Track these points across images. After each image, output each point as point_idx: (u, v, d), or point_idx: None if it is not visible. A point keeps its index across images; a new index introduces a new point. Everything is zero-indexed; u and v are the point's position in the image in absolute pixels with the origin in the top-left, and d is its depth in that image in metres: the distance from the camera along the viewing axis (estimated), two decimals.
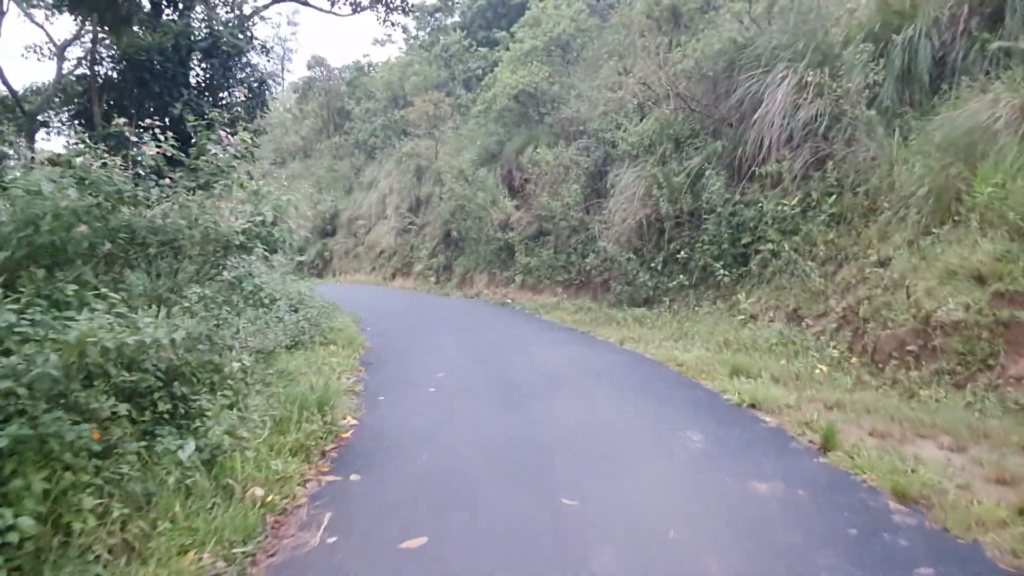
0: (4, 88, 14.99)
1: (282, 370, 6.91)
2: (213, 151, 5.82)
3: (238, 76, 14.48)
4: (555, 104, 19.46)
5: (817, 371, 6.94)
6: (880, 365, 7.15)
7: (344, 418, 6.00)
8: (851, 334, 7.78)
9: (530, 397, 6.73)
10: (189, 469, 4.06)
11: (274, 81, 17.06)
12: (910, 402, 6.18)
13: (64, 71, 15.36)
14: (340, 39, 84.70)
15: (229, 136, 5.93)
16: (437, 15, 33.13)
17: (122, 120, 6.00)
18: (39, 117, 15.52)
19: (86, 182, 4.77)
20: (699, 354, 8.14)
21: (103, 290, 4.63)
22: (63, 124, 15.91)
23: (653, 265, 12.63)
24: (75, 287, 4.27)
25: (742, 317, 9.79)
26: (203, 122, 6.03)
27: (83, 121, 13.38)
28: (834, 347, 7.63)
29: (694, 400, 6.53)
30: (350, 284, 26.47)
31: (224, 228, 5.56)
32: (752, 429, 5.57)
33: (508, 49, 22.57)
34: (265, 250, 6.08)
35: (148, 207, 5.23)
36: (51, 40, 16.55)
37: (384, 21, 20.63)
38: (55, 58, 16.38)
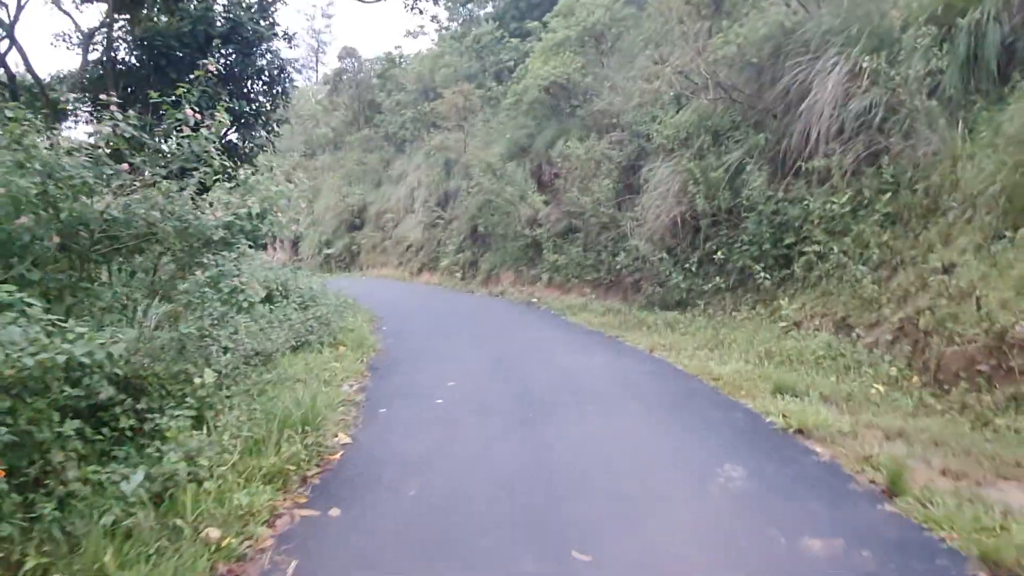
0: (31, 77, 14.72)
1: (271, 380, 6.28)
2: (185, 133, 5.13)
3: (258, 64, 13.93)
4: (587, 96, 18.70)
5: (873, 391, 6.10)
6: (945, 386, 6.29)
7: (335, 436, 5.35)
8: (910, 349, 6.92)
9: (546, 415, 6.01)
10: (133, 505, 3.44)
11: (299, 70, 16.50)
12: (984, 432, 5.33)
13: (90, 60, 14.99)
14: (373, 31, 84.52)
15: (197, 115, 5.27)
16: (469, 5, 32.44)
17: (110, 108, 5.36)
18: (66, 106, 15.23)
19: (31, 165, 4.16)
20: (737, 367, 7.34)
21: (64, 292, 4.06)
22: (88, 114, 15.60)
23: (687, 266, 11.82)
24: (11, 288, 3.66)
25: (784, 325, 8.96)
26: (167, 100, 5.31)
27: (99, 109, 12.98)
28: (891, 363, 6.78)
29: (733, 423, 5.73)
30: (375, 279, 26.00)
31: (203, 221, 4.96)
32: (802, 463, 4.78)
33: (540, 40, 21.83)
34: (250, 245, 5.47)
35: (103, 196, 4.58)
36: (78, 28, 16.25)
37: (412, 8, 20.00)
38: (82, 47, 16.09)
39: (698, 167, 11.77)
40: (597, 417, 5.94)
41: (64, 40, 16.81)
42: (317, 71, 52.07)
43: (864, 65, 8.95)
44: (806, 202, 9.74)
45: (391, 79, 34.66)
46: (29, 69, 14.95)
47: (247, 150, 15.56)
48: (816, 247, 9.40)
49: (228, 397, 5.15)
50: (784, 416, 5.57)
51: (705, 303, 11.23)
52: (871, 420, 5.40)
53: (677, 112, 13.61)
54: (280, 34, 14.66)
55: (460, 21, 33.17)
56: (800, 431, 5.31)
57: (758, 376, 6.90)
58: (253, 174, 15.01)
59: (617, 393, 6.83)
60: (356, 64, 36.54)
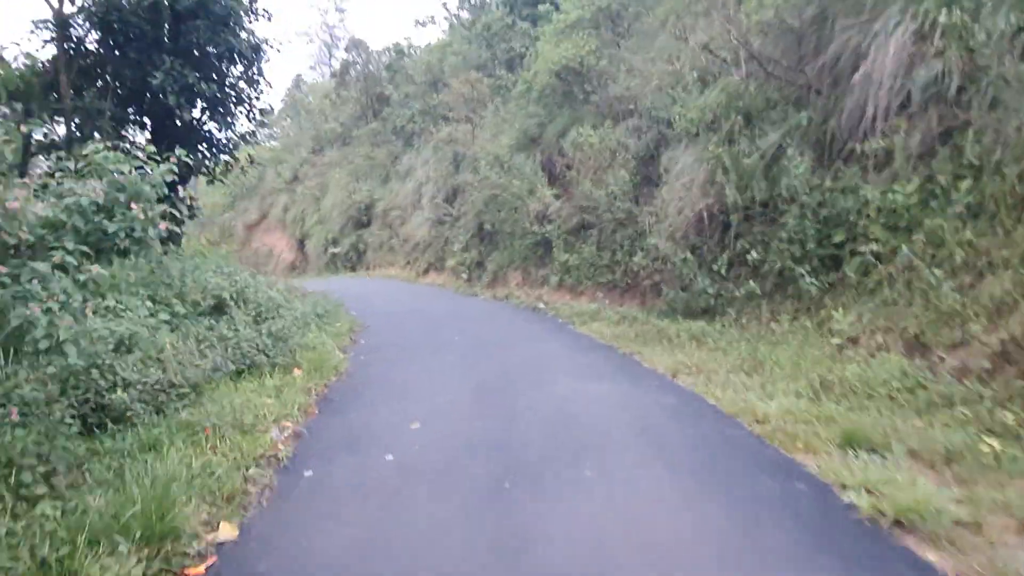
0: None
1: (156, 436, 4.72)
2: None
3: (231, 42, 12.48)
4: (602, 81, 17.08)
5: (984, 447, 4.43)
6: None
7: (209, 532, 3.70)
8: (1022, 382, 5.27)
9: (530, 484, 4.37)
10: None
11: (278, 49, 15.00)
12: None
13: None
14: (383, 22, 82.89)
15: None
16: None
17: None
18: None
19: None
20: (787, 402, 5.67)
21: None
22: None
23: (715, 268, 10.18)
24: None
25: (837, 341, 7.33)
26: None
27: (55, 95, 11.59)
28: (994, 400, 5.11)
29: (795, 504, 3.98)
30: (379, 279, 24.56)
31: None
32: None
33: (552, 22, 20.22)
34: (84, 253, 3.92)
35: None
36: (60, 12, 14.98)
37: None
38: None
39: (728, 153, 10.14)
40: (601, 488, 4.27)
41: (44, 28, 15.55)
42: (331, 67, 50.75)
43: (940, 20, 7.27)
44: (860, 192, 8.10)
45: (400, 71, 33.24)
46: None
47: (226, 140, 14.18)
48: (874, 246, 7.77)
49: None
50: (867, 491, 3.89)
51: (737, 311, 9.59)
52: (994, 498, 3.74)
53: (702, 93, 11.99)
54: (256, 10, 13.20)
55: (469, 4, 31.60)
56: (898, 522, 3.61)
57: (817, 417, 5.24)
58: (240, 167, 13.59)
59: (631, 445, 5.14)
60: (364, 56, 35.14)
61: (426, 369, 8.08)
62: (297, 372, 7.17)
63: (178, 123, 13.66)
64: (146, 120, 13.08)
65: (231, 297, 8.12)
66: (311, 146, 38.45)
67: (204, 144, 14.36)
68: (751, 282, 9.39)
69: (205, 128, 14.25)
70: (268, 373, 6.92)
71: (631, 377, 7.34)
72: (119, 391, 4.85)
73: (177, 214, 5.96)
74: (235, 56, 12.80)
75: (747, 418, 5.48)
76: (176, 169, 4.86)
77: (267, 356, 7.22)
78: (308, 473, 4.63)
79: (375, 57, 35.07)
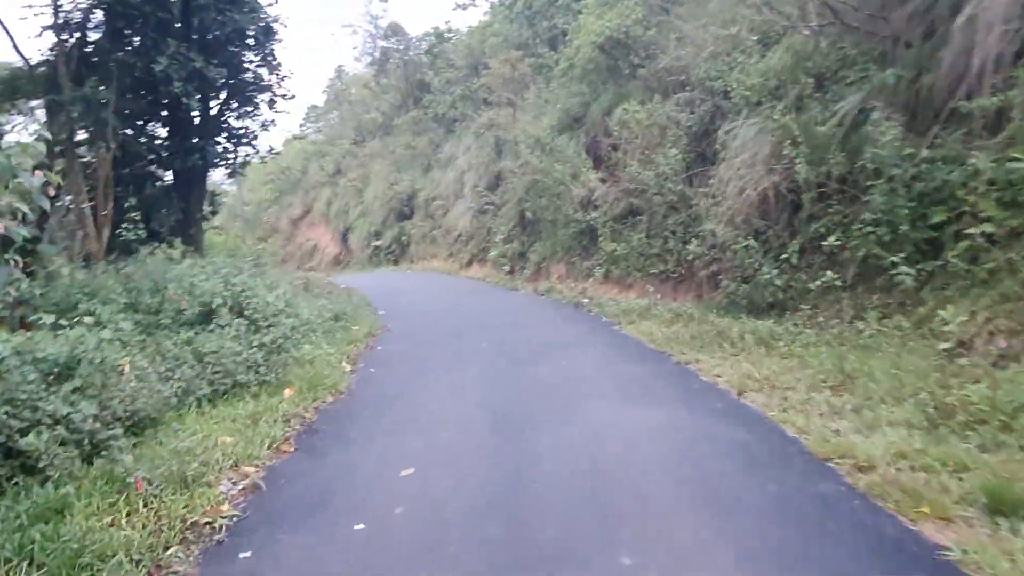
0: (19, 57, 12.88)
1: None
2: None
3: (239, 22, 11.52)
4: (650, 52, 15.64)
5: None
6: None
7: None
8: None
9: None
10: None
11: (285, 25, 13.99)
12: None
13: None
14: (423, 7, 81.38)
15: None
16: None
17: None
18: None
19: None
20: (895, 437, 4.28)
21: None
22: None
23: (784, 256, 8.78)
24: None
25: (946, 346, 5.91)
26: None
27: (53, 84, 10.84)
28: None
29: None
30: (420, 273, 23.62)
31: None
32: None
33: None
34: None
35: None
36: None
37: None
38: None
39: (797, 122, 8.70)
40: None
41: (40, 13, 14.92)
42: (374, 57, 50.00)
43: None
44: (968, 162, 6.62)
45: (440, 56, 32.15)
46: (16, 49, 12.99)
47: (245, 130, 13.32)
48: (987, 226, 6.31)
49: None
50: None
51: (811, 307, 8.17)
52: None
53: (763, 57, 10.52)
54: None
55: None
56: None
57: (940, 460, 3.86)
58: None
59: (687, 514, 3.73)
60: (403, 42, 34.16)
61: (441, 388, 6.93)
62: (288, 393, 6.13)
63: (195, 114, 12.86)
64: (158, 112, 12.29)
65: (225, 303, 7.14)
66: (353, 137, 37.75)
67: (224, 135, 13.54)
68: (829, 272, 7.96)
69: (224, 118, 13.42)
70: (254, 394, 5.90)
71: (687, 397, 5.99)
72: (34, 433, 3.86)
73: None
74: (245, 38, 11.84)
75: (844, 463, 4.10)
76: (42, 148, 3.81)
77: (256, 373, 6.21)
78: (244, 555, 3.51)
79: (415, 43, 34.06)
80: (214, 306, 6.96)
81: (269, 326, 7.11)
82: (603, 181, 14.92)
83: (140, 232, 10.14)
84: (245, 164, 13.79)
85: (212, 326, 6.70)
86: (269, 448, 4.82)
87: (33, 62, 10.74)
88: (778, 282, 8.70)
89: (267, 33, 12.26)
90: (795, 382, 5.89)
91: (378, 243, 31.45)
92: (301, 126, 53.62)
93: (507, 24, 26.92)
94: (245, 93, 13.10)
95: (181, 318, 6.70)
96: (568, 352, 8.32)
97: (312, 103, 52.89)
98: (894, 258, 7.08)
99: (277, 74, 13.79)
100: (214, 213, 15.04)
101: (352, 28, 57.35)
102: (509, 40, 26.20)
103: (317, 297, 12.44)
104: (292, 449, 5.06)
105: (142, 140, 12.22)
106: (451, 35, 32.43)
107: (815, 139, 8.39)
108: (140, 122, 12.39)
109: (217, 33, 11.43)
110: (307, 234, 38.88)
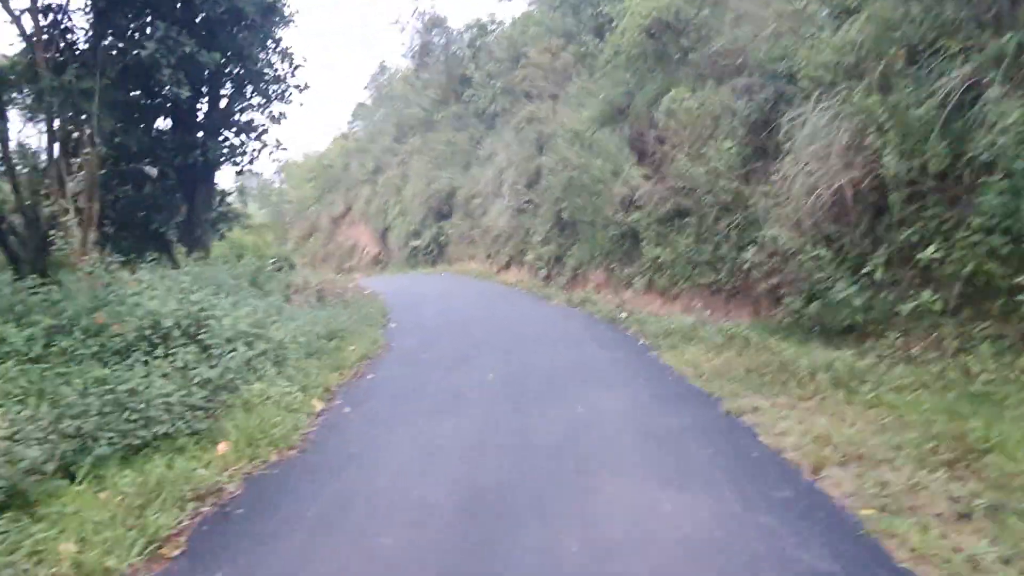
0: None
1: None
2: None
3: (232, 1, 10.30)
4: (702, 34, 13.97)
5: None
6: None
7: None
8: None
9: None
10: None
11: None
12: None
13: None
14: (469, 5, 79.68)
15: None
16: None
17: None
18: None
19: None
20: None
21: None
22: None
23: (865, 269, 7.13)
24: None
25: None
26: None
27: (33, 74, 9.82)
28: None
29: None
30: (454, 276, 22.32)
31: None
32: None
33: None
34: None
35: None
36: None
37: None
38: None
39: (883, 104, 7.03)
40: None
41: None
42: (415, 51, 49.03)
43: None
44: None
45: (483, 49, 30.84)
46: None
47: (250, 124, 12.21)
48: None
49: None
50: None
51: (901, 335, 6.51)
52: None
53: (837, 30, 8.83)
54: None
55: None
56: None
57: None
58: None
59: None
60: (445, 35, 32.96)
61: (416, 447, 5.34)
62: (222, 448, 4.79)
63: (199, 106, 11.77)
64: (154, 103, 11.22)
65: (177, 324, 5.87)
66: (393, 134, 36.75)
67: (233, 129, 12.43)
68: (925, 292, 6.30)
69: (230, 110, 12.31)
70: (180, 449, 4.60)
71: (740, 475, 4.30)
72: None
73: None
74: (242, 19, 10.63)
75: None
76: None
77: (185, 421, 4.89)
78: None
79: (457, 36, 32.82)
80: (164, 329, 5.71)
81: (227, 353, 5.82)
82: (647, 178, 13.35)
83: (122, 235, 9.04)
84: (252, 161, 12.65)
85: (156, 354, 5.44)
86: (141, 554, 3.46)
87: (12, 52, 9.77)
88: (857, 302, 7.05)
89: (267, 13, 11.04)
90: (893, 451, 4.27)
91: (416, 243, 30.34)
92: (349, 123, 53.14)
93: (550, 13, 25.44)
94: (247, 82, 11.96)
95: (107, 346, 5.46)
96: (589, 391, 6.72)
97: (360, 101, 52.36)
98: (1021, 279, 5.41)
99: (290, 62, 12.65)
100: (225, 214, 13.96)
101: (400, 25, 56.61)
102: (552, 29, 24.72)
103: (324, 307, 11.21)
104: (177, 553, 3.59)
105: (137, 135, 11.16)
106: (494, 27, 31.10)
107: (907, 125, 6.71)
108: (135, 115, 11.33)
109: (209, 13, 10.23)
110: (347, 233, 38.09)
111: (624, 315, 10.83)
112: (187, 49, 9.59)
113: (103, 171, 11.76)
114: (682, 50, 14.37)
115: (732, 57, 12.27)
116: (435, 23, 33.00)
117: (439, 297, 15.87)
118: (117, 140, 10.43)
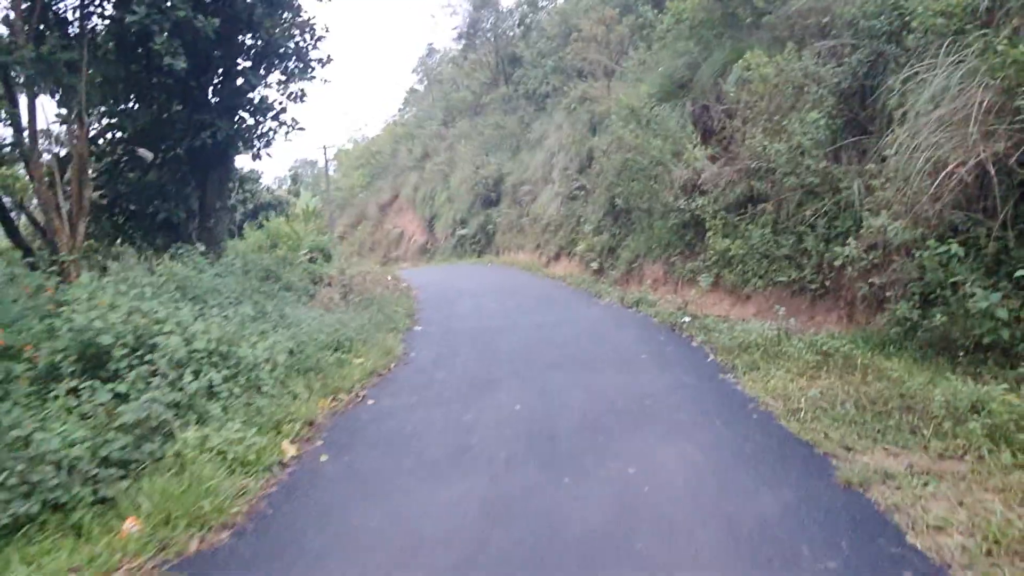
0: None
1: None
2: None
3: None
4: None
5: None
6: None
7: None
8: None
9: None
10: None
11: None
12: None
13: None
14: None
15: None
16: None
17: None
18: None
19: None
20: None
21: None
22: None
23: (1017, 272, 5.44)
24: None
25: None
26: None
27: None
28: None
29: None
30: (500, 268, 20.94)
31: None
32: None
33: None
34: None
35: None
36: None
37: None
38: None
39: None
40: None
41: None
42: (463, 31, 47.73)
43: None
44: None
45: (534, 26, 29.27)
46: None
47: (267, 101, 11.03)
48: None
49: None
50: None
51: None
52: None
53: None
54: None
55: None
56: None
57: None
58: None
59: None
60: (494, 14, 31.47)
61: (402, 529, 3.83)
62: (127, 528, 3.49)
63: (211, 83, 10.63)
64: (151, 80, 10.09)
65: (118, 340, 4.64)
66: (441, 118, 35.52)
67: (248, 109, 11.28)
68: None
69: (250, 87, 11.16)
70: (74, 526, 3.35)
71: None
72: None
73: None
74: None
75: None
76: None
77: (93, 483, 3.62)
78: None
79: (506, 14, 31.31)
80: (102, 351, 4.48)
81: (182, 379, 4.56)
82: (713, 159, 11.68)
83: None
84: (269, 143, 11.43)
85: (86, 384, 4.20)
86: None
87: None
88: (1001, 313, 5.38)
89: None
90: None
91: (463, 231, 29.06)
92: (400, 109, 52.25)
93: None
94: (263, 58, 10.76)
95: (17, 373, 4.24)
96: (646, 440, 5.01)
97: (412, 87, 51.40)
98: None
99: (311, 33, 11.40)
100: (243, 202, 12.86)
101: (452, 8, 55.41)
102: (607, 1, 23.01)
103: (346, 306, 9.97)
104: None
105: (134, 115, 10.08)
106: (545, 2, 29.47)
107: None
108: (137, 93, 10.24)
109: None
110: (394, 221, 37.11)
111: (687, 320, 9.24)
112: (181, 13, 8.41)
113: (111, 157, 10.79)
114: (754, 12, 12.62)
115: (816, 16, 10.52)
116: (485, 2, 31.51)
117: (478, 293, 14.48)
118: (115, 120, 9.35)
